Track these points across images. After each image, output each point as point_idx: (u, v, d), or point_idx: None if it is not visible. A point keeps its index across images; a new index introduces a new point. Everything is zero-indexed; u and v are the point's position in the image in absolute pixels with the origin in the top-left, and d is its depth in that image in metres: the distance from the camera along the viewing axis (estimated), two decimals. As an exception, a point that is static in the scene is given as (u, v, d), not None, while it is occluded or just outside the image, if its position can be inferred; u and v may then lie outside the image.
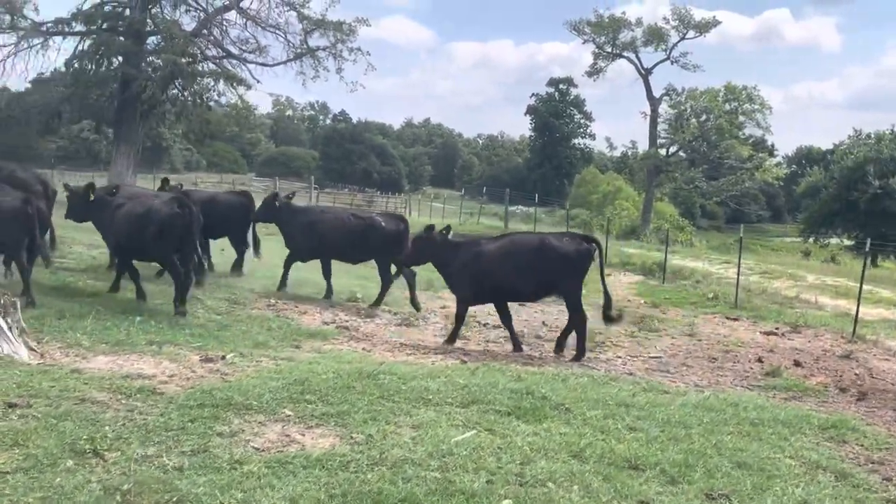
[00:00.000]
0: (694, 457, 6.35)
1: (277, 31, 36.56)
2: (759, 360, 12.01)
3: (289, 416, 6.85)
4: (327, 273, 14.73)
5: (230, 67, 35.96)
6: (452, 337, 11.64)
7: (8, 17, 32.44)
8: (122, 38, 33.72)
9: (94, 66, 33.69)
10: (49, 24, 33.70)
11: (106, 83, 34.37)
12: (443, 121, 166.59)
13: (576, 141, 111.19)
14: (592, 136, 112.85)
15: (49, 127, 37.06)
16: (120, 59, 34.12)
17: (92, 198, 12.53)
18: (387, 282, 14.41)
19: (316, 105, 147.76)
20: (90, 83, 33.73)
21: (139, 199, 12.50)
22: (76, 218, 12.90)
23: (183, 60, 33.98)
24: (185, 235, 11.55)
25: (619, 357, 11.66)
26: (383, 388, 7.75)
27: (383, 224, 14.46)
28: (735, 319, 16.37)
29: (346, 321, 12.72)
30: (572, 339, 11.38)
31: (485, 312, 14.47)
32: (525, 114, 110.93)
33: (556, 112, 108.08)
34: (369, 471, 5.61)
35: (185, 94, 34.70)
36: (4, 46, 32.93)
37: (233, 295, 13.27)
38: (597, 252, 11.41)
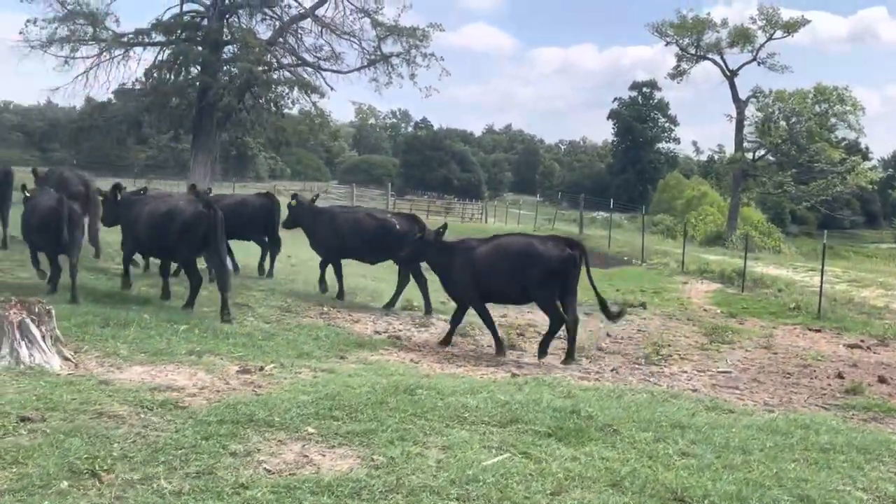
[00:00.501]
0: (749, 488, 5.68)
1: (352, 39, 36.74)
2: (840, 376, 11.13)
3: (311, 434, 6.44)
4: (339, 274, 14.54)
5: (305, 75, 36.21)
6: (499, 346, 11.17)
7: (91, 29, 33.26)
8: (199, 48, 34.20)
9: (172, 76, 34.30)
10: (130, 36, 34.47)
11: (184, 92, 34.93)
12: (524, 127, 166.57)
13: (660, 145, 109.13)
14: (677, 140, 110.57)
15: (133, 136, 37.86)
16: (198, 68, 34.62)
17: (119, 198, 12.75)
18: (422, 284, 14.09)
19: (398, 113, 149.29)
20: (169, 92, 34.30)
21: (163, 199, 12.62)
22: (106, 220, 13.13)
23: (259, 69, 34.34)
24: (210, 235, 11.46)
25: (685, 371, 10.93)
26: (419, 405, 7.29)
27: (397, 225, 14.28)
28: (817, 331, 15.36)
29: (399, 330, 12.32)
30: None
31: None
32: (607, 118, 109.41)
33: (640, 116, 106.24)
34: (382, 499, 5.15)
35: (261, 101, 34.99)
36: (88, 58, 33.78)
37: (285, 303, 13.01)
38: (582, 257, 11.01)
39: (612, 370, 10.65)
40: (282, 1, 36.08)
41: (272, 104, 35.32)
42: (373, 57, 36.35)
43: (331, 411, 6.97)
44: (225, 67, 34.71)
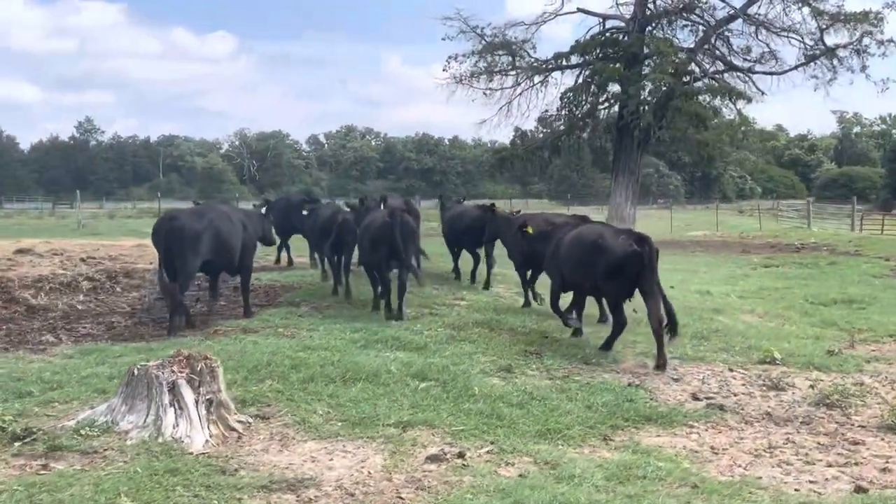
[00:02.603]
0: None
1: (791, 34, 32.10)
2: None
3: None
4: (525, 281, 13.71)
5: (736, 81, 32.61)
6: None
7: (509, 58, 33.30)
8: (616, 65, 32.40)
9: (588, 97, 32.93)
10: (549, 61, 33.86)
11: (600, 113, 33.40)
12: None
13: None
14: None
15: (552, 162, 37.55)
16: (616, 87, 32.83)
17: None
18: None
19: (888, 119, 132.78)
20: (585, 115, 33.03)
21: (372, 211, 13.66)
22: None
23: (682, 80, 31.62)
24: (396, 242, 11.85)
25: None
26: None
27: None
28: None
29: (732, 394, 8.84)
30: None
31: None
32: None
33: None
34: None
35: (679, 112, 31.92)
36: (508, 88, 33.87)
37: (590, 352, 10.27)
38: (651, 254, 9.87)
39: None
40: (704, 4, 32.78)
41: (692, 117, 31.97)
42: (812, 52, 31.40)
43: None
44: (642, 83, 32.27)
